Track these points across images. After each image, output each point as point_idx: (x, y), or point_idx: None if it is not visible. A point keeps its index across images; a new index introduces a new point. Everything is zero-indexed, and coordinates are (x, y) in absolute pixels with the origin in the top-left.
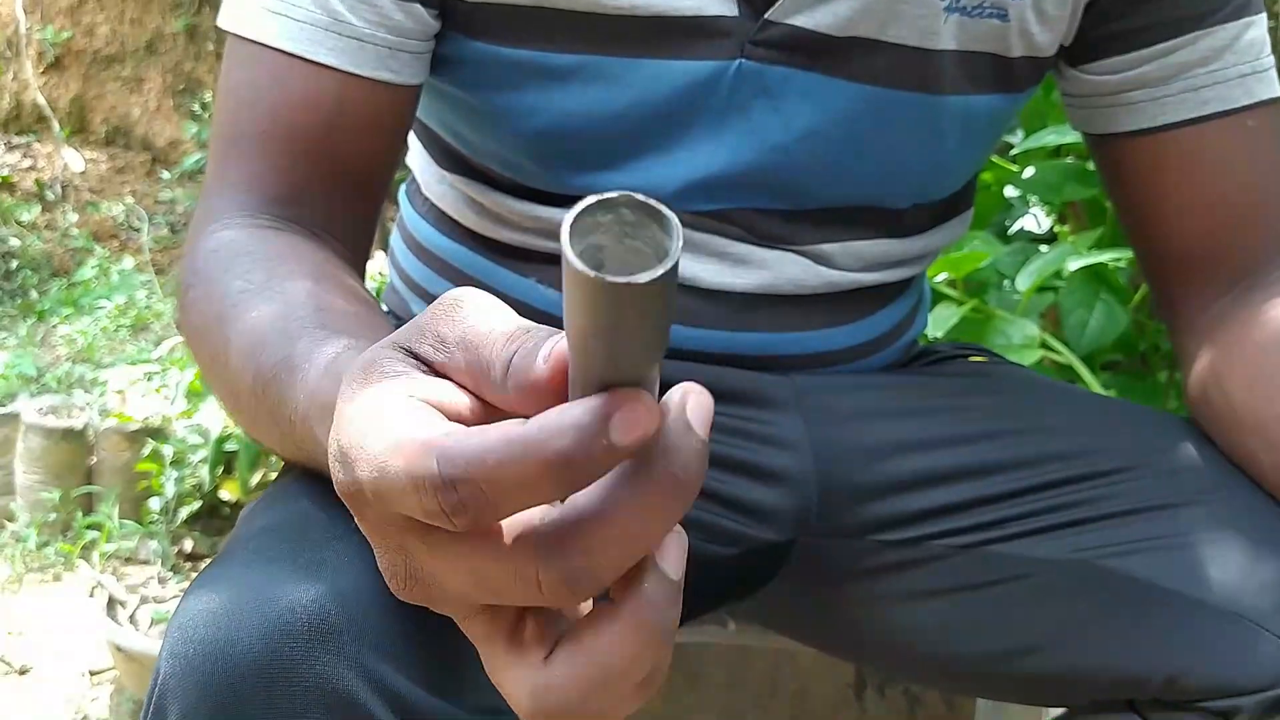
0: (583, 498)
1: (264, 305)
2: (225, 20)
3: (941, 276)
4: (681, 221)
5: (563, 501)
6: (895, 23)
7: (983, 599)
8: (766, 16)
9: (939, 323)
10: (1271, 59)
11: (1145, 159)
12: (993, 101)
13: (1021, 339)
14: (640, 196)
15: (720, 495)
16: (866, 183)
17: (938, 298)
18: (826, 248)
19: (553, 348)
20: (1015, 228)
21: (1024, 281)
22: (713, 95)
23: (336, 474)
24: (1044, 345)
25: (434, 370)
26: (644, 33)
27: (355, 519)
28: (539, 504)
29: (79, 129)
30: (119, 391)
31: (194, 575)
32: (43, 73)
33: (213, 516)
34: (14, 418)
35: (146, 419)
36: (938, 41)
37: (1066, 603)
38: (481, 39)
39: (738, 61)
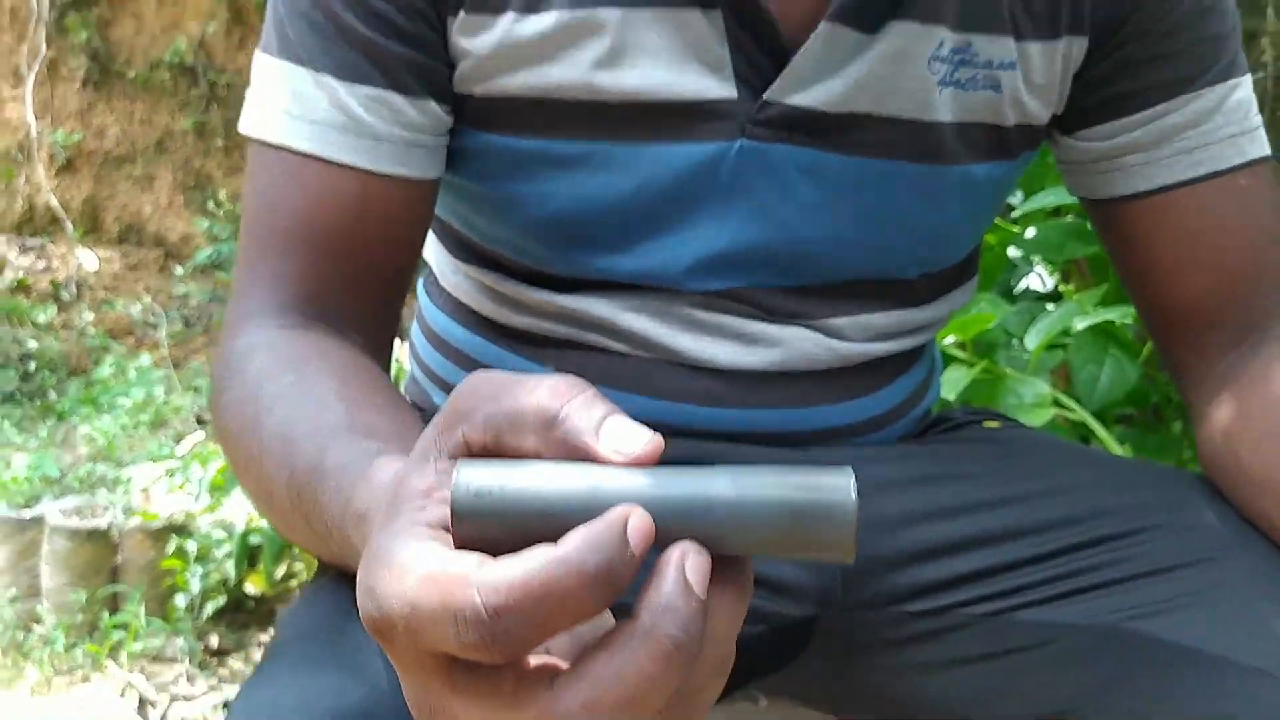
0: (592, 659)
1: (294, 409)
2: (246, 126)
3: (950, 339)
4: (693, 301)
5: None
6: (891, 97)
7: (1009, 665)
8: (765, 97)
9: (951, 385)
10: (1259, 118)
11: (1142, 222)
12: (991, 169)
13: (1034, 398)
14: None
15: None
16: (873, 254)
17: (948, 360)
18: (837, 321)
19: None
20: (1020, 287)
21: (1032, 340)
22: (717, 176)
23: (366, 608)
24: (1056, 403)
25: (471, 450)
26: (647, 118)
27: (385, 651)
28: (573, 626)
29: (92, 228)
30: (143, 490)
31: (221, 671)
32: (55, 175)
33: (238, 611)
34: (39, 521)
35: (170, 516)
36: (934, 114)
37: (1092, 666)
38: (492, 131)
39: (739, 142)
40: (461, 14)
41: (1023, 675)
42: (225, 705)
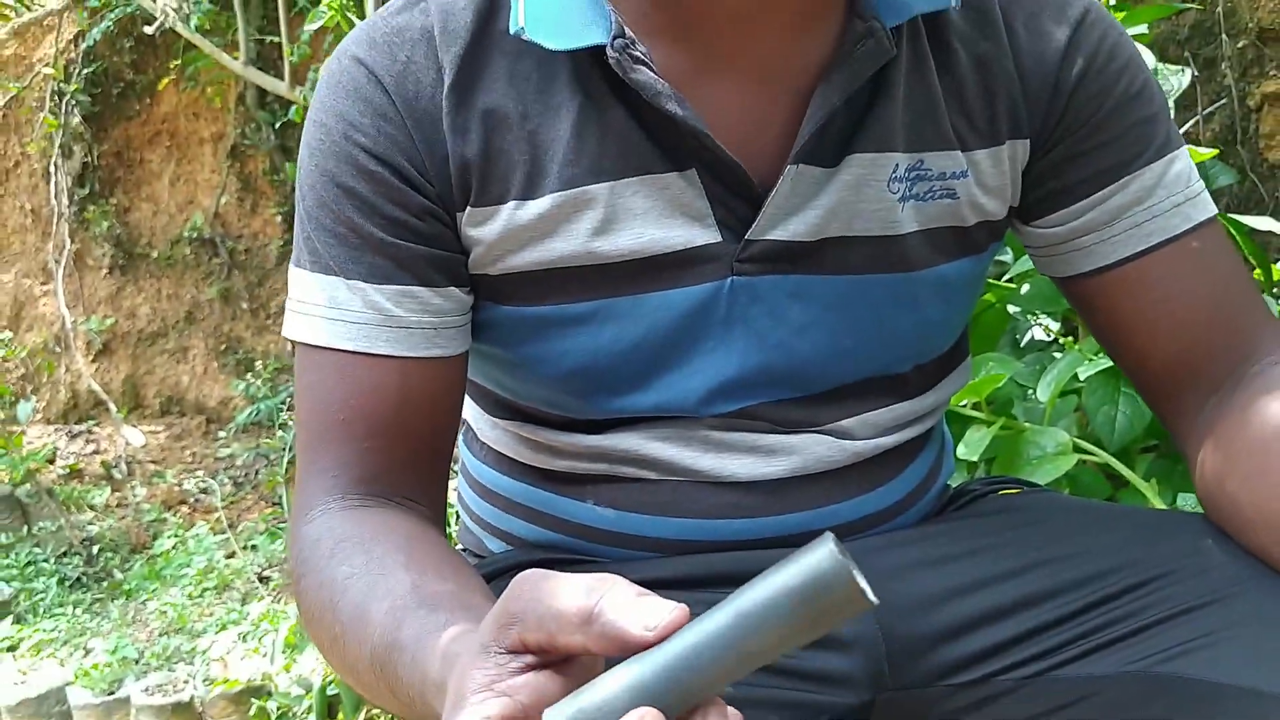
0: None
1: (367, 589)
2: (290, 331)
3: (965, 402)
4: (710, 424)
5: None
6: (859, 219)
7: None
8: (747, 237)
9: (972, 446)
10: (1200, 183)
11: (1106, 295)
12: (961, 266)
13: (1055, 447)
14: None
15: (797, 671)
16: (866, 358)
17: (967, 422)
18: (845, 423)
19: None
20: (1026, 339)
21: (1044, 392)
22: (714, 311)
23: None
24: (1078, 449)
25: (528, 647)
26: (645, 272)
27: None
28: None
29: (134, 405)
30: (220, 659)
31: None
32: (92, 360)
33: None
34: (124, 702)
35: (249, 680)
36: (900, 227)
37: (1134, 712)
38: (509, 303)
39: (729, 280)
40: (468, 208)
41: None
42: None
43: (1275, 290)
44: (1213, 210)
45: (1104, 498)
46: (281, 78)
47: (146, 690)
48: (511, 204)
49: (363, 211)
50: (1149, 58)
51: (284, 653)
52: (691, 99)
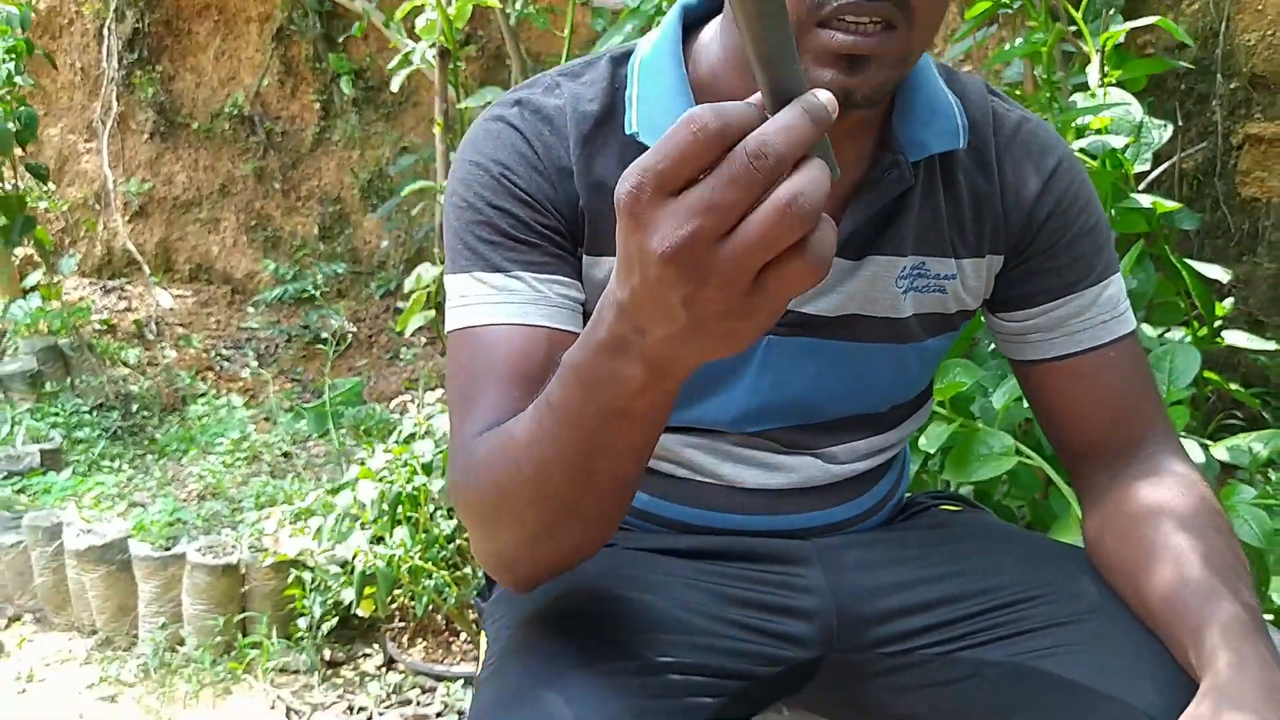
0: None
1: (521, 420)
2: (454, 323)
3: (936, 402)
4: (734, 440)
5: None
6: (871, 304)
7: (954, 691)
8: (788, 308)
9: (932, 440)
10: (1126, 304)
11: (1041, 380)
12: (940, 340)
13: (1000, 448)
14: None
15: (768, 630)
16: (856, 401)
17: (932, 417)
18: (832, 449)
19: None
20: (992, 345)
21: (998, 400)
22: (752, 359)
23: (679, 232)
24: (1019, 452)
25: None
26: None
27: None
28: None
29: (165, 268)
30: (271, 535)
31: (335, 679)
32: (129, 221)
33: (343, 628)
34: (179, 558)
35: (298, 554)
36: (901, 311)
37: (1006, 693)
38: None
39: (768, 338)
40: (582, 254)
41: (964, 698)
42: (351, 710)
43: (1218, 324)
44: (1132, 326)
45: (1036, 494)
46: None
47: (199, 550)
48: (609, 259)
49: (517, 224)
50: (1137, 110)
51: (329, 538)
52: None
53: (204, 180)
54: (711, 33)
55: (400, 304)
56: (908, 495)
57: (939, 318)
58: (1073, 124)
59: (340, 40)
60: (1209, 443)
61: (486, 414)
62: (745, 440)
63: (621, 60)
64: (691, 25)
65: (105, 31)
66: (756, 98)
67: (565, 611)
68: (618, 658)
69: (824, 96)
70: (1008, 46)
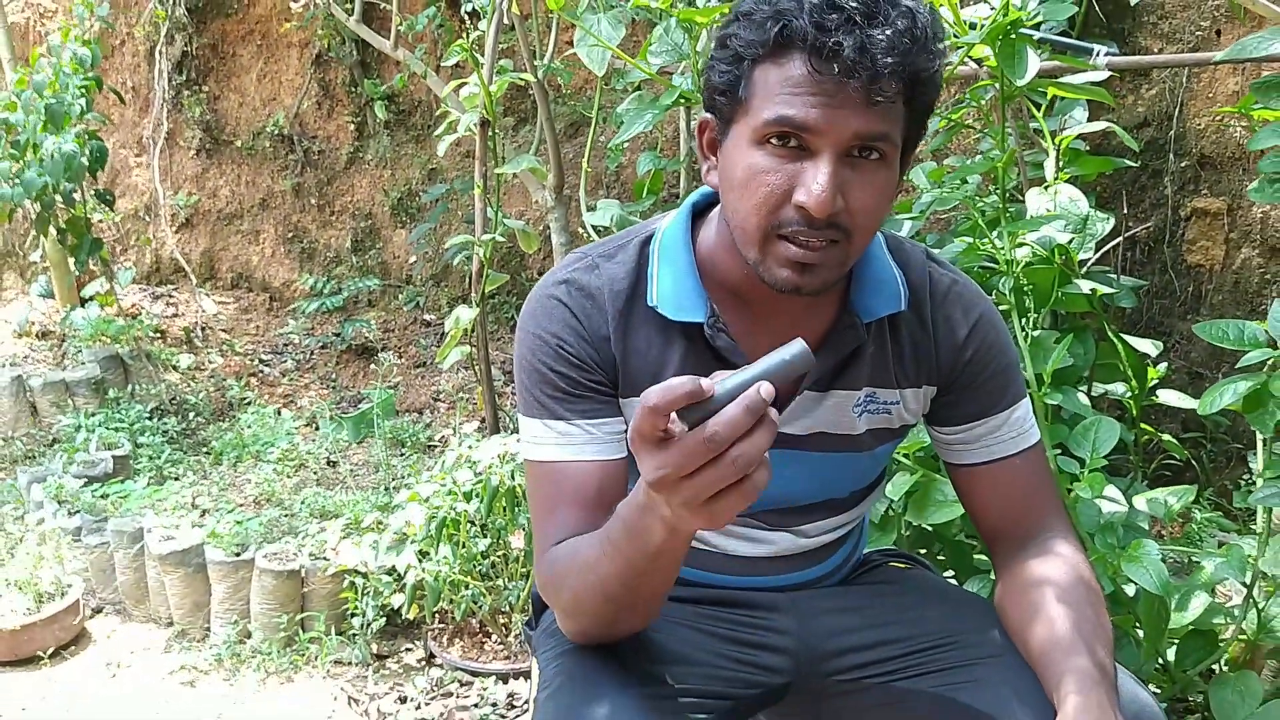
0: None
1: (589, 538)
2: (529, 456)
3: (899, 454)
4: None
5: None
6: (834, 425)
7: (891, 712)
8: None
9: (897, 488)
10: (1032, 422)
11: (966, 480)
12: (888, 446)
13: (953, 496)
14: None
15: (751, 662)
16: (823, 492)
17: (896, 467)
18: (804, 526)
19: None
20: None
21: None
22: None
23: (657, 472)
24: None
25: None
26: None
27: (673, 483)
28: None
29: (209, 277)
30: (333, 548)
31: (383, 671)
32: (175, 231)
33: (388, 625)
34: (249, 564)
35: (355, 565)
36: (856, 428)
37: (930, 717)
38: None
39: None
40: (618, 397)
41: (898, 718)
42: (401, 700)
43: (1153, 385)
44: (1035, 440)
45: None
46: (386, 37)
47: (266, 556)
48: (639, 400)
49: (572, 383)
50: (1084, 204)
51: (387, 550)
52: (747, 348)
53: (246, 194)
54: (714, 221)
55: (427, 316)
56: (866, 552)
57: (887, 431)
58: (1020, 233)
59: (375, 67)
60: (1115, 499)
61: (559, 530)
62: (737, 521)
63: (646, 241)
64: (701, 210)
65: (156, 54)
66: (695, 380)
67: (600, 645)
68: (645, 683)
69: (764, 391)
70: (969, 162)
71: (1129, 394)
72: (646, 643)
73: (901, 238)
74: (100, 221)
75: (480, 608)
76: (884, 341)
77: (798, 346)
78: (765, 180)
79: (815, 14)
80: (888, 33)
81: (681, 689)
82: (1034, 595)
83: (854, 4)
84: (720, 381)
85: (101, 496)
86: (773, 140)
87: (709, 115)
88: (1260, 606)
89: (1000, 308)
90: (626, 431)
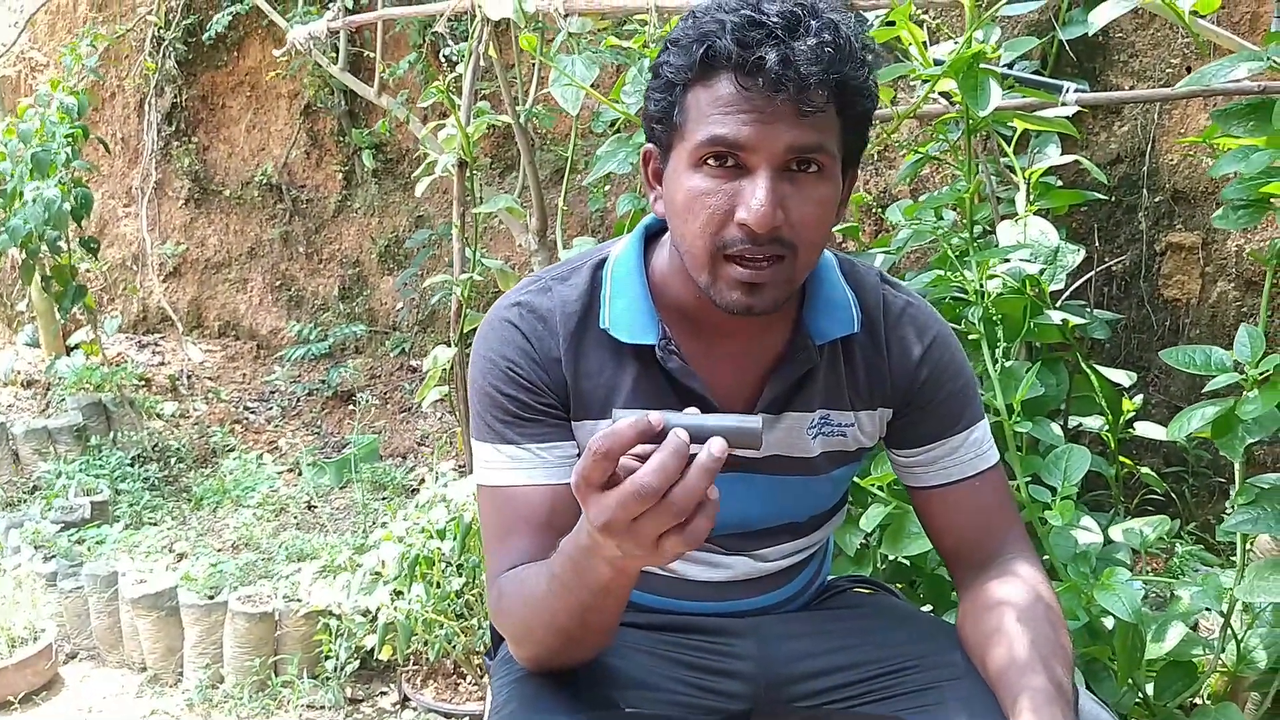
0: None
1: (538, 568)
2: (481, 480)
3: (874, 486)
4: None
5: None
6: (788, 447)
7: None
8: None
9: (870, 519)
10: (990, 444)
11: (925, 503)
12: (844, 470)
13: (919, 530)
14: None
15: (709, 688)
16: (780, 516)
17: (872, 499)
18: (762, 550)
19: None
20: None
21: None
22: None
23: (601, 518)
24: None
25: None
26: None
27: (618, 529)
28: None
29: (195, 325)
30: (306, 588)
31: (356, 716)
32: (163, 280)
33: (363, 669)
34: (222, 606)
35: (327, 606)
36: (811, 451)
37: None
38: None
39: None
40: (570, 420)
41: None
42: None
43: (1131, 415)
44: (993, 461)
45: None
46: (370, 84)
47: (240, 599)
48: (591, 422)
49: (522, 405)
50: (1054, 236)
51: (359, 591)
52: (700, 371)
53: (234, 243)
54: (666, 245)
55: (414, 362)
56: (831, 578)
57: (842, 453)
58: (990, 262)
59: (363, 116)
60: (1090, 528)
61: (511, 556)
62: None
63: (599, 265)
64: (654, 234)
65: (146, 106)
66: (640, 418)
67: (555, 672)
68: (597, 707)
69: (682, 435)
70: (937, 193)
71: (1106, 426)
72: (602, 668)
73: (856, 260)
74: (88, 271)
75: (454, 648)
76: (837, 363)
77: (756, 422)
78: (706, 202)
79: (737, 32)
80: (810, 43)
81: (636, 714)
82: (993, 616)
83: (775, 19)
84: (668, 420)
85: (78, 541)
86: (710, 161)
87: (651, 145)
88: (1239, 638)
89: (970, 338)
90: (579, 455)
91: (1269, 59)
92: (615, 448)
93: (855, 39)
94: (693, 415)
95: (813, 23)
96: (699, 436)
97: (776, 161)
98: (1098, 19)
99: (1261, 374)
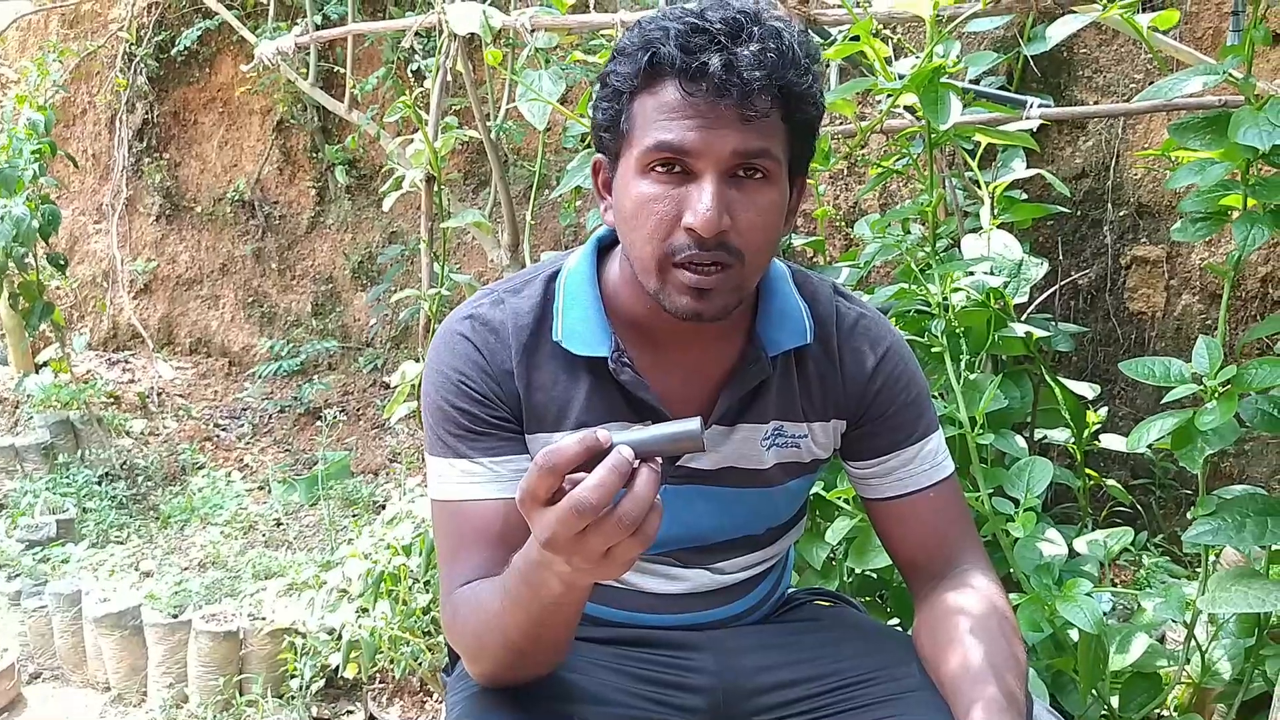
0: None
1: (492, 582)
2: (434, 495)
3: (840, 499)
4: (643, 558)
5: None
6: (742, 459)
7: None
8: (677, 464)
9: (835, 532)
10: (945, 455)
11: (881, 514)
12: (800, 482)
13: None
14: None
15: (667, 702)
16: (736, 528)
17: (837, 512)
18: (720, 564)
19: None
20: None
21: None
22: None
23: (544, 534)
24: None
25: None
26: None
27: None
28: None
29: (166, 342)
30: (270, 606)
31: None
32: (134, 297)
33: (329, 688)
34: (185, 625)
35: (292, 624)
36: (765, 463)
37: None
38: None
39: (664, 486)
40: (524, 433)
41: None
42: None
43: (1097, 428)
44: (948, 473)
45: None
46: (341, 100)
47: (204, 618)
48: (544, 435)
49: (474, 419)
50: (1018, 249)
51: (323, 609)
52: (653, 383)
53: (205, 260)
54: (618, 256)
55: (386, 378)
56: (791, 590)
57: (797, 465)
58: (953, 275)
59: (336, 132)
60: (1053, 540)
61: (464, 571)
62: (651, 558)
63: (552, 277)
64: (607, 246)
65: (117, 122)
66: (589, 434)
67: (510, 687)
68: None
69: (626, 453)
70: (900, 206)
71: (1072, 439)
72: (558, 683)
73: (809, 272)
74: (58, 288)
75: (420, 665)
76: (790, 374)
77: (694, 424)
78: (653, 209)
79: (681, 39)
80: (753, 48)
81: None
82: (948, 626)
83: (719, 26)
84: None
85: (43, 560)
86: (656, 168)
87: (600, 155)
88: (1204, 649)
89: (934, 350)
90: None
91: (1225, 72)
92: (560, 463)
93: (799, 46)
94: (637, 429)
95: (755, 29)
96: (643, 452)
97: (722, 167)
98: (1055, 34)
99: (1220, 385)
